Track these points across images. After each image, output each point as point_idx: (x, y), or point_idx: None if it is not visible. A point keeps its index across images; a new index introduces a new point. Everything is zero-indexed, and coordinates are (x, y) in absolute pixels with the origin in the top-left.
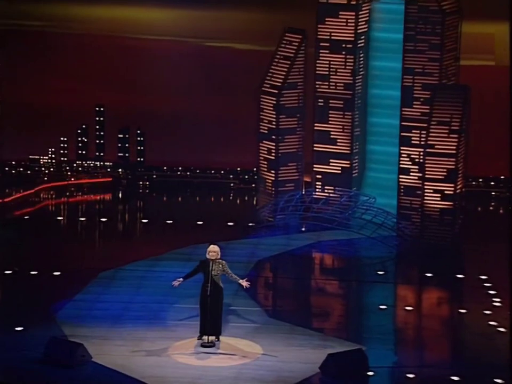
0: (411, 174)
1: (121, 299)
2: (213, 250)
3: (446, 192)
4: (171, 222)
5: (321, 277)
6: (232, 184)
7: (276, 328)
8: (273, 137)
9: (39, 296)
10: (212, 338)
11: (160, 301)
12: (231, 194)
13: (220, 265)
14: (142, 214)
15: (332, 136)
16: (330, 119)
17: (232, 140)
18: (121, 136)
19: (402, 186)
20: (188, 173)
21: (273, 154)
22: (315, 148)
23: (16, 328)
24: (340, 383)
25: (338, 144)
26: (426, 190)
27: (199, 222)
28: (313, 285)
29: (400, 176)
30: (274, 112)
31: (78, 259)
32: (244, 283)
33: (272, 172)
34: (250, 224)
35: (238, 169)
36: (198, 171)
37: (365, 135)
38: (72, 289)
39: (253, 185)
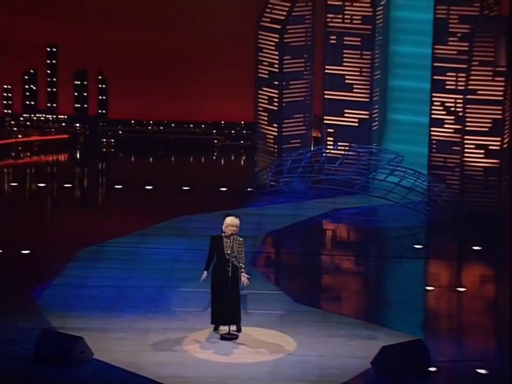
0: (446, 126)
1: (112, 283)
2: (234, 223)
3: (490, 147)
4: (151, 188)
5: (343, 252)
6: (216, 141)
7: (306, 315)
8: (276, 83)
9: (11, 280)
10: (232, 328)
11: (160, 284)
12: (215, 153)
13: (237, 242)
14: (113, 179)
15: (347, 81)
16: (344, 60)
17: (218, 86)
18: (78, 82)
19: (434, 141)
20: (162, 128)
21: (275, 104)
22: (326, 96)
23: None
24: (397, 381)
25: (354, 90)
26: (466, 145)
27: (185, 188)
28: (336, 262)
29: (432, 128)
30: (276, 52)
31: (46, 234)
32: (245, 279)
33: (275, 125)
34: (248, 190)
35: (222, 122)
36: (173, 125)
37: (387, 79)
38: (48, 271)
39: (241, 142)
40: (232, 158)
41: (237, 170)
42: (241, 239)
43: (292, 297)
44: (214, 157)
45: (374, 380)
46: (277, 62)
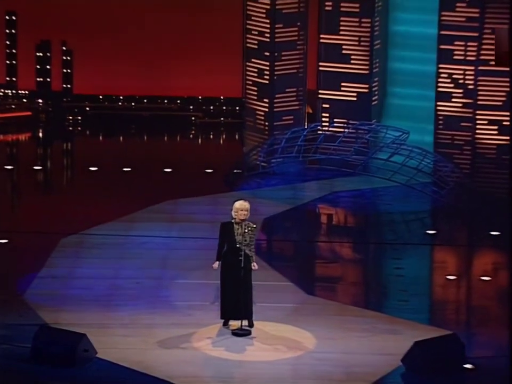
0: (453, 100)
1: (103, 274)
2: (244, 208)
3: (504, 123)
4: (129, 169)
5: (349, 239)
6: (193, 118)
7: (321, 308)
8: (266, 54)
9: None
10: (244, 323)
11: (156, 275)
12: (192, 131)
13: (250, 229)
14: (85, 160)
15: (344, 52)
16: (341, 28)
17: (198, 57)
18: (40, 54)
19: (441, 117)
20: (133, 104)
21: (266, 77)
22: (321, 68)
23: None
24: (431, 379)
25: (352, 62)
26: (477, 121)
27: (167, 170)
28: (343, 250)
29: (438, 103)
30: (267, 20)
31: (22, 222)
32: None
33: (265, 100)
34: (236, 171)
35: (200, 97)
36: (145, 101)
37: (387, 49)
38: (31, 261)
39: (221, 119)
40: (211, 136)
41: (219, 150)
42: (254, 225)
43: (303, 288)
44: (191, 136)
45: (406, 378)
46: (268, 30)
